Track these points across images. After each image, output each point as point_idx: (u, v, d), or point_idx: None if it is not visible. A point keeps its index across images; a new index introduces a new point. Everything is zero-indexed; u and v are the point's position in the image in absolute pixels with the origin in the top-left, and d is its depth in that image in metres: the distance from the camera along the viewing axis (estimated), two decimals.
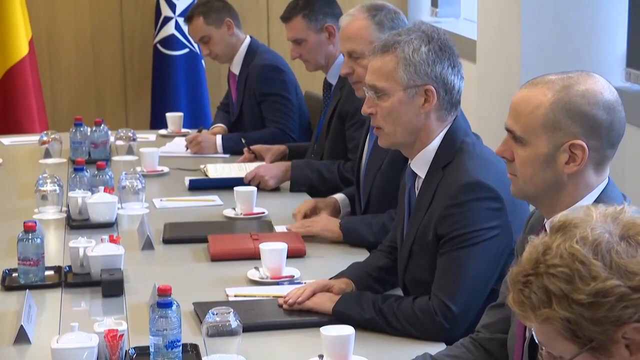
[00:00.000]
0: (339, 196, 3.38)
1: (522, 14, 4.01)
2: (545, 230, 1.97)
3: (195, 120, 5.67)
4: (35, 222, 2.81)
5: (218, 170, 4.05)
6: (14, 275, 2.78)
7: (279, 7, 5.90)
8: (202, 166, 4.12)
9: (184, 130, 4.88)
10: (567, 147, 1.92)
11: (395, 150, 3.04)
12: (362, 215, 3.22)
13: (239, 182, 3.71)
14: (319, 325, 2.28)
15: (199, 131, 4.63)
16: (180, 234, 3.20)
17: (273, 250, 2.79)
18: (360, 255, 2.84)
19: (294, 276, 2.78)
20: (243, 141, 4.29)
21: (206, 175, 3.99)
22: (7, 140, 4.82)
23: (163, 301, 2.17)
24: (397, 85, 2.46)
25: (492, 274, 2.37)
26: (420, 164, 2.50)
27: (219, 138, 4.47)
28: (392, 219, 3.00)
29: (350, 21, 3.24)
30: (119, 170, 3.79)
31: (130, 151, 4.41)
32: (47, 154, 4.36)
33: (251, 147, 4.24)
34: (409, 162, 2.56)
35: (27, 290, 2.61)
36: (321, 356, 2.19)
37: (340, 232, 3.11)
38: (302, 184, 3.76)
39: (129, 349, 2.21)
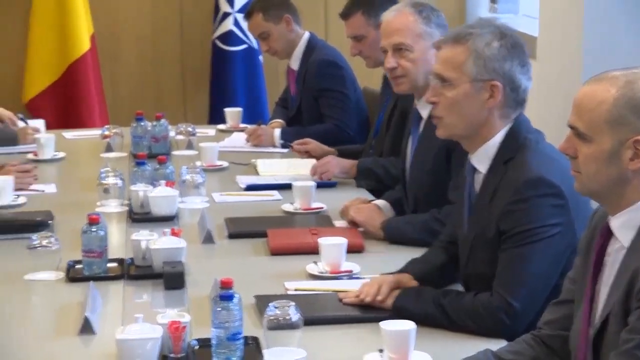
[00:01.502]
0: (381, 202, 3.35)
1: (585, 10, 3.97)
2: (609, 227, 1.96)
3: (253, 115, 5.69)
4: (99, 215, 2.85)
5: (267, 165, 4.08)
6: (77, 267, 2.81)
7: (336, 3, 5.92)
8: (252, 161, 4.15)
9: (242, 125, 4.91)
10: (632, 143, 1.90)
11: (441, 149, 3.04)
12: (404, 216, 3.22)
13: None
14: (378, 320, 2.28)
15: (259, 125, 4.66)
16: (241, 229, 3.22)
17: (332, 245, 2.80)
18: (419, 252, 2.84)
19: (352, 271, 2.79)
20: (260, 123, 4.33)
21: (256, 170, 4.02)
22: (69, 134, 4.89)
23: (225, 294, 2.19)
24: (464, 77, 2.45)
25: (554, 270, 2.35)
26: (481, 159, 2.49)
27: (277, 131, 4.50)
28: (436, 218, 3.00)
29: (397, 15, 3.24)
30: (179, 164, 3.82)
31: (190, 146, 4.45)
32: (109, 148, 4.42)
33: (301, 143, 4.25)
34: (468, 157, 2.55)
35: (91, 281, 2.65)
36: (381, 351, 2.20)
37: (381, 230, 3.12)
38: (368, 177, 3.76)
39: (191, 341, 2.23)
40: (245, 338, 2.22)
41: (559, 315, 2.12)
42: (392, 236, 3.09)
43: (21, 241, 2.93)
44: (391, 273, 2.61)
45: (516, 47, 2.46)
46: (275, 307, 2.23)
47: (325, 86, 4.51)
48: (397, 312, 2.40)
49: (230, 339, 2.16)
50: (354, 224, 3.20)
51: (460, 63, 2.45)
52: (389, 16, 3.26)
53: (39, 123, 4.69)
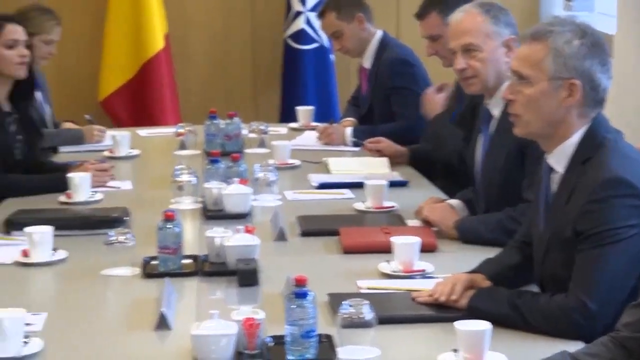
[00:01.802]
0: (454, 202, 3.33)
1: None
2: None
3: (324, 114, 5.70)
4: (175, 212, 2.88)
5: (339, 164, 4.08)
6: (153, 263, 2.85)
7: (409, 1, 5.89)
8: (324, 159, 4.16)
9: (313, 123, 4.92)
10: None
11: (515, 147, 3.01)
12: (478, 215, 3.20)
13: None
14: (452, 319, 2.26)
15: (330, 123, 4.66)
16: (313, 227, 3.23)
17: (405, 244, 2.79)
18: (492, 251, 2.81)
19: (425, 270, 2.78)
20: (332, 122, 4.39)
21: (327, 169, 4.03)
22: (144, 132, 4.95)
23: (299, 291, 2.20)
24: (542, 75, 2.42)
25: (632, 272, 2.31)
26: (558, 158, 2.46)
27: (348, 130, 4.50)
28: (511, 217, 2.97)
29: (464, 16, 3.21)
30: (251, 162, 3.85)
31: (262, 144, 4.48)
32: (182, 146, 4.47)
33: (373, 141, 4.25)
34: (544, 156, 2.52)
35: (166, 277, 2.68)
36: (455, 351, 2.18)
37: (455, 230, 3.09)
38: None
39: (265, 338, 2.24)
40: (319, 336, 2.23)
41: (637, 317, 2.08)
42: (466, 236, 3.07)
43: (98, 237, 2.97)
44: (465, 273, 2.60)
45: (597, 45, 2.42)
46: (350, 306, 2.22)
47: (397, 84, 4.50)
48: (472, 312, 2.38)
49: (305, 337, 2.17)
50: (427, 223, 3.19)
51: (538, 60, 2.42)
52: (456, 17, 3.24)
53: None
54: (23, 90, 3.95)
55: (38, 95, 4.66)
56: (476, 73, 3.17)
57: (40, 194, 3.69)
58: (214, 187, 3.43)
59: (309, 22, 6.01)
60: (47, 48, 4.65)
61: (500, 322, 2.33)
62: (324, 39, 5.98)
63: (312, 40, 6.06)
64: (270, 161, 3.95)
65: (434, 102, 4.07)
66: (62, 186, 3.62)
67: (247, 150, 4.38)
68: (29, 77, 3.94)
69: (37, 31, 4.55)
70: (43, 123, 4.60)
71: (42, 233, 2.91)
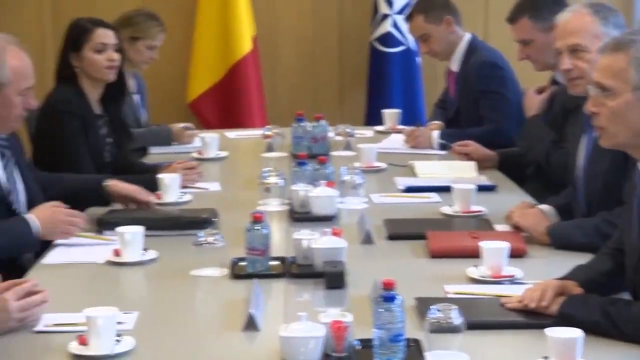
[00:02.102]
0: (545, 207, 3.27)
1: None
2: None
3: (410, 117, 5.69)
4: (263, 213, 2.90)
5: (425, 167, 4.06)
6: (241, 264, 2.87)
7: (497, 3, 5.84)
8: (410, 162, 4.15)
9: (400, 126, 4.91)
10: None
11: (618, 151, 2.95)
12: (572, 220, 3.14)
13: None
14: (542, 326, 2.23)
15: (417, 126, 4.65)
16: (400, 230, 3.22)
17: (494, 249, 2.76)
18: (584, 257, 2.77)
19: (514, 276, 2.74)
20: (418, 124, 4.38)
21: (414, 172, 4.01)
22: (232, 134, 5.01)
23: (388, 295, 2.19)
24: (626, 86, 2.37)
25: None
26: None
27: (435, 133, 4.48)
28: (607, 221, 2.91)
29: (573, 16, 3.17)
30: (337, 165, 3.85)
31: (348, 147, 4.49)
32: (270, 148, 4.50)
33: (461, 144, 4.22)
34: (637, 164, 2.46)
35: (255, 279, 2.70)
36: (546, 358, 2.15)
37: (546, 236, 3.05)
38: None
39: (352, 341, 2.24)
40: (407, 340, 2.22)
41: None
42: (559, 241, 3.02)
43: (188, 237, 3.01)
44: (555, 279, 2.56)
45: None
46: (438, 310, 2.21)
47: (485, 88, 4.47)
48: (563, 319, 2.34)
49: (392, 340, 2.16)
50: (517, 228, 3.15)
51: (620, 71, 2.37)
52: (565, 17, 3.20)
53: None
54: (113, 93, 4.03)
55: (136, 98, 4.76)
56: (582, 74, 3.13)
57: None
58: (301, 189, 3.45)
59: (395, 25, 6.00)
60: (150, 53, 4.72)
61: (591, 330, 2.29)
62: (411, 42, 5.96)
63: (399, 43, 6.05)
64: (357, 164, 3.95)
65: (533, 102, 4.02)
66: (151, 187, 3.65)
67: (333, 153, 4.39)
68: (119, 80, 4.02)
69: (141, 36, 4.64)
70: (139, 126, 4.68)
71: (134, 233, 2.96)
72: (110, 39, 3.98)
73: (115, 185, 3.47)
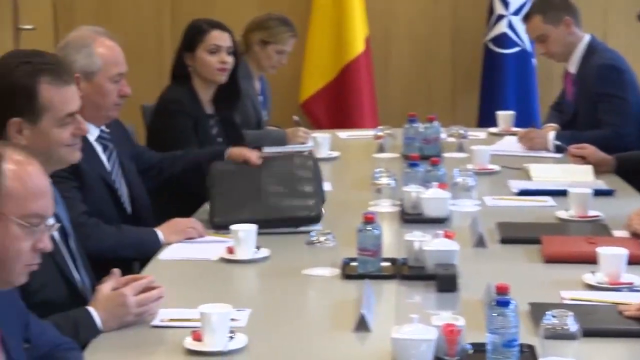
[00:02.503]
0: None
1: None
2: None
3: (524, 119, 5.60)
4: (374, 214, 2.90)
5: (540, 170, 4.00)
6: (353, 264, 2.88)
7: (617, 4, 5.71)
8: (524, 165, 4.09)
9: (514, 128, 4.85)
10: None
11: None
12: None
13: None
14: None
15: (532, 128, 4.58)
16: (514, 234, 3.18)
17: (612, 255, 2.70)
18: None
19: (633, 283, 2.68)
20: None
21: (528, 175, 3.95)
22: (343, 134, 5.02)
23: (502, 299, 2.17)
24: None
25: None
26: None
27: (551, 135, 4.41)
28: None
29: None
30: (449, 166, 3.83)
31: (460, 148, 4.45)
32: (381, 149, 4.50)
33: (578, 147, 4.14)
34: None
35: (366, 279, 2.70)
36: None
37: None
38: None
39: (465, 345, 2.22)
40: (521, 345, 2.19)
41: None
42: None
43: (300, 236, 3.03)
44: None
45: None
46: (553, 316, 2.18)
47: (604, 91, 4.37)
48: None
49: (506, 346, 2.14)
50: (637, 235, 3.07)
51: None
52: None
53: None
54: (226, 94, 4.09)
55: (260, 99, 4.82)
56: None
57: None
58: (413, 190, 3.43)
59: (511, 26, 5.92)
60: (279, 57, 4.76)
61: None
62: (526, 43, 5.88)
63: (514, 44, 5.97)
64: (469, 166, 3.92)
65: None
66: None
67: (446, 155, 4.36)
68: (233, 82, 4.07)
69: (272, 40, 4.69)
70: (259, 127, 4.75)
71: (247, 231, 2.99)
72: (225, 41, 4.03)
73: (235, 150, 3.57)
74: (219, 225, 3.26)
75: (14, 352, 1.89)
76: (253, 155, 3.48)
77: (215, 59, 3.99)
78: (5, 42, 5.18)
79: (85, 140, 3.08)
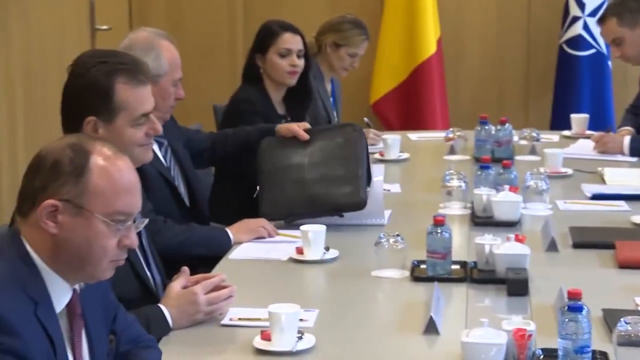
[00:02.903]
0: None
1: None
2: None
3: (599, 122, 5.53)
4: (444, 217, 2.88)
5: (615, 174, 3.93)
6: (422, 266, 2.86)
7: None
8: (599, 169, 4.03)
9: (588, 132, 4.78)
10: None
11: None
12: None
13: None
14: None
15: (607, 132, 4.51)
16: (587, 239, 3.13)
17: None
18: None
19: None
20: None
21: (602, 179, 3.89)
22: (414, 135, 5.00)
23: (574, 305, 2.14)
24: None
25: None
26: None
27: (626, 139, 4.34)
28: None
29: None
30: (521, 169, 3.79)
31: (533, 151, 4.41)
32: (452, 151, 4.47)
33: None
34: None
35: (435, 282, 2.69)
36: None
37: None
38: None
39: (536, 350, 2.20)
40: (594, 352, 2.16)
41: None
42: None
43: (369, 237, 3.02)
44: None
45: None
46: (627, 323, 2.14)
47: None
48: None
49: (578, 352, 2.11)
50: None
51: None
52: None
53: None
54: (297, 94, 4.10)
55: (331, 101, 4.83)
56: None
57: None
58: (484, 193, 3.40)
59: (586, 28, 5.84)
60: (351, 60, 4.76)
61: None
62: (602, 45, 5.80)
63: (589, 46, 5.88)
64: (542, 169, 3.87)
65: None
66: None
67: (518, 157, 4.32)
68: (304, 83, 4.09)
69: (345, 43, 4.69)
70: None
71: (316, 232, 3.00)
72: (296, 44, 4.05)
73: (283, 126, 3.61)
74: (265, 215, 3.31)
75: (97, 343, 1.93)
76: (301, 130, 3.49)
77: (286, 62, 4.01)
78: (83, 42, 5.26)
79: None
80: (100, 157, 1.84)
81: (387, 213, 3.45)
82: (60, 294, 1.84)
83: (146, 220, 1.95)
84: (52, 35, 4.80)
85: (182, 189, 3.34)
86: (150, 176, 3.12)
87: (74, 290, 1.89)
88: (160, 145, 3.29)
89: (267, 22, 4.14)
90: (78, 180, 1.81)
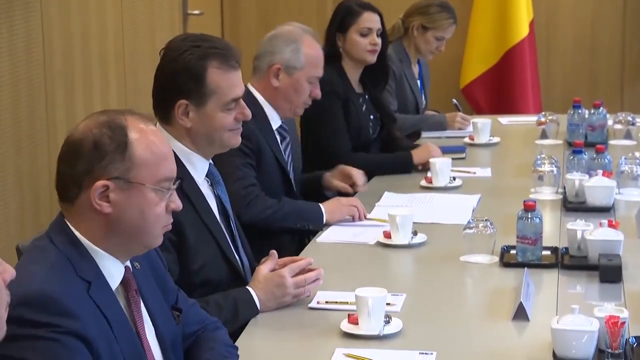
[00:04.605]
0: None
1: None
2: None
3: None
4: (535, 202, 2.83)
5: None
6: (512, 252, 2.82)
7: None
8: None
9: None
10: None
11: None
12: None
13: None
14: None
15: None
16: None
17: None
18: None
19: None
20: None
21: None
22: (505, 119, 4.94)
23: None
24: None
25: None
26: None
27: None
28: None
29: None
30: (616, 154, 3.72)
31: (628, 135, 4.30)
32: (544, 135, 4.40)
33: None
34: None
35: (525, 268, 2.64)
36: None
37: None
38: None
39: (629, 338, 2.15)
40: None
41: None
42: None
43: (458, 223, 2.99)
44: None
45: None
46: None
47: None
48: None
49: None
50: None
51: None
52: None
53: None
54: (373, 73, 4.10)
55: (418, 83, 4.80)
56: None
57: (384, 172, 3.86)
58: (576, 178, 3.34)
59: None
60: (438, 44, 4.71)
61: None
62: None
63: None
64: (637, 154, 3.77)
65: None
66: (404, 166, 3.86)
67: (612, 142, 4.24)
68: (382, 63, 4.08)
69: (432, 26, 4.66)
70: (417, 111, 4.73)
71: (404, 216, 2.98)
72: (376, 23, 4.05)
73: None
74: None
75: (159, 318, 1.95)
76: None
77: (367, 41, 4.01)
78: (175, 26, 5.32)
79: (269, 126, 3.24)
80: (135, 130, 1.85)
81: (475, 197, 3.42)
82: (113, 271, 1.86)
83: (178, 182, 1.96)
84: (144, 19, 4.86)
85: (294, 182, 3.40)
86: (268, 157, 3.23)
87: (126, 268, 1.91)
88: (282, 138, 3.35)
89: (344, 1, 4.13)
90: (123, 156, 1.83)
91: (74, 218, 1.84)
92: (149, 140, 1.86)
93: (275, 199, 3.18)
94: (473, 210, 3.31)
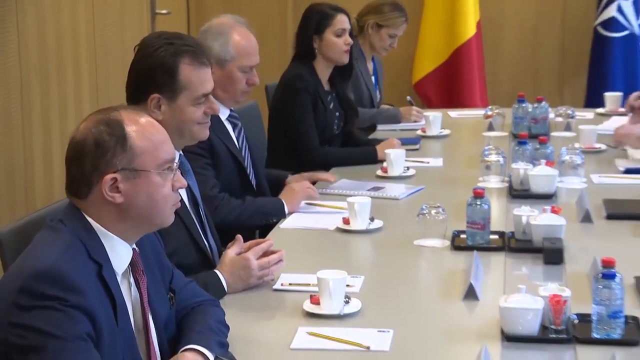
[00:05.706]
0: None
1: None
2: None
3: None
4: (483, 190, 2.86)
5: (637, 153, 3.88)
6: (462, 236, 2.85)
7: None
8: (622, 149, 3.96)
9: (621, 109, 4.71)
10: None
11: None
12: None
13: None
14: None
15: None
16: (620, 210, 3.09)
17: None
18: None
19: None
20: None
21: (626, 156, 3.83)
22: (454, 113, 4.97)
23: (607, 272, 2.11)
24: None
25: None
26: None
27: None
28: None
29: None
30: (557, 145, 3.75)
31: (568, 128, 4.35)
32: (491, 127, 4.43)
33: None
34: None
35: (475, 251, 2.67)
36: None
37: None
38: None
39: (570, 315, 2.18)
40: (626, 317, 2.13)
41: None
42: None
43: (412, 209, 3.01)
44: None
45: None
46: None
47: None
48: None
49: (611, 317, 2.09)
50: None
51: None
52: None
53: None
54: (340, 72, 4.10)
55: (373, 79, 4.82)
56: None
57: (351, 165, 3.86)
58: (521, 167, 3.37)
59: (620, 10, 5.74)
60: (390, 41, 4.74)
61: None
62: (635, 27, 5.70)
63: (623, 28, 5.79)
64: (577, 145, 3.82)
65: None
66: (371, 159, 3.84)
67: (554, 134, 4.28)
68: (349, 61, 4.09)
69: (386, 24, 4.67)
70: (372, 106, 4.75)
71: (362, 204, 2.99)
72: (347, 24, 4.06)
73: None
74: None
75: (156, 299, 1.96)
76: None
77: (342, 41, 4.01)
78: (143, 25, 5.28)
79: (217, 119, 3.15)
80: (130, 122, 1.88)
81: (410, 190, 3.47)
82: (122, 253, 1.89)
83: (178, 163, 1.97)
84: (115, 18, 4.83)
85: (250, 170, 3.36)
86: (221, 153, 3.14)
87: (134, 249, 1.93)
88: (234, 126, 3.29)
89: (316, 4, 4.12)
90: (124, 148, 1.85)
91: (86, 209, 1.87)
92: (145, 130, 1.88)
93: (240, 200, 3.13)
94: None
